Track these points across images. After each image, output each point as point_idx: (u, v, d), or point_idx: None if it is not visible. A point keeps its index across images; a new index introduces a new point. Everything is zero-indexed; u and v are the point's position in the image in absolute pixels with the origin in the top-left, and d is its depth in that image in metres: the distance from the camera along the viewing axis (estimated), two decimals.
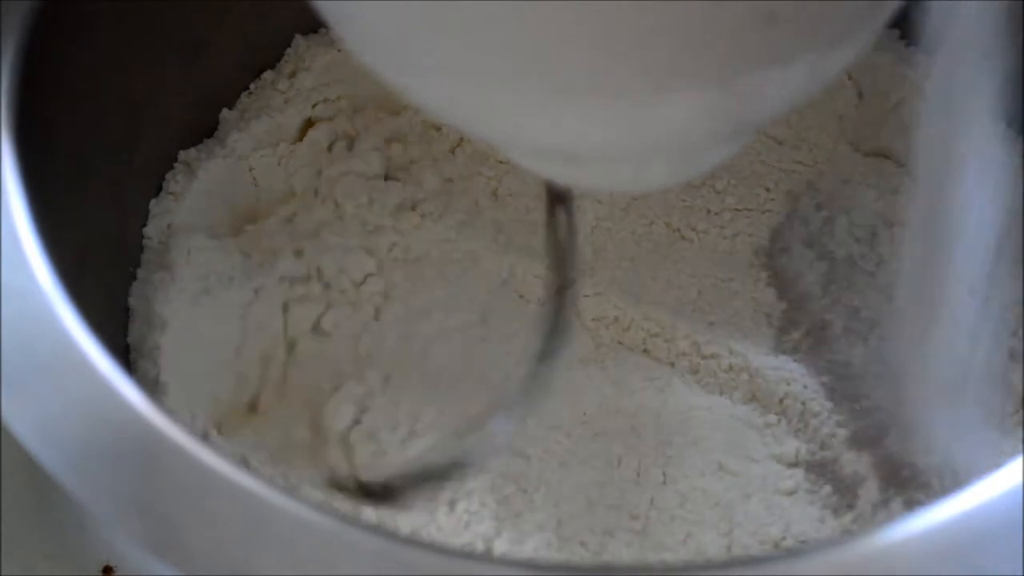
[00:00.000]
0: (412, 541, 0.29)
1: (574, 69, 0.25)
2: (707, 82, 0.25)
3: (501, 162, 0.51)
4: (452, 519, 0.42)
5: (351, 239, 0.49)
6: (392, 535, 0.29)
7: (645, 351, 0.47)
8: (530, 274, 0.48)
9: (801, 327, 0.47)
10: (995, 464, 0.34)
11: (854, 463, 0.43)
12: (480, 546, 0.41)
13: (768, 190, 0.50)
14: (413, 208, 0.49)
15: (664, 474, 0.43)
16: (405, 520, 0.41)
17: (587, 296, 0.48)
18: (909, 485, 0.42)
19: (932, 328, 0.35)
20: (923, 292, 0.34)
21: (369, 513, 0.41)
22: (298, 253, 0.48)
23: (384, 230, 0.49)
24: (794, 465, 0.44)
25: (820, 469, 0.44)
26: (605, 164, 0.31)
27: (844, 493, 0.43)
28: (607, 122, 0.27)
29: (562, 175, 0.33)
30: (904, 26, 0.51)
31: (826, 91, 0.50)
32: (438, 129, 0.51)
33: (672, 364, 0.46)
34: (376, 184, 0.50)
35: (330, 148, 0.51)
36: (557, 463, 0.44)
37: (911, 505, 0.41)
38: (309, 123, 0.51)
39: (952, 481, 0.42)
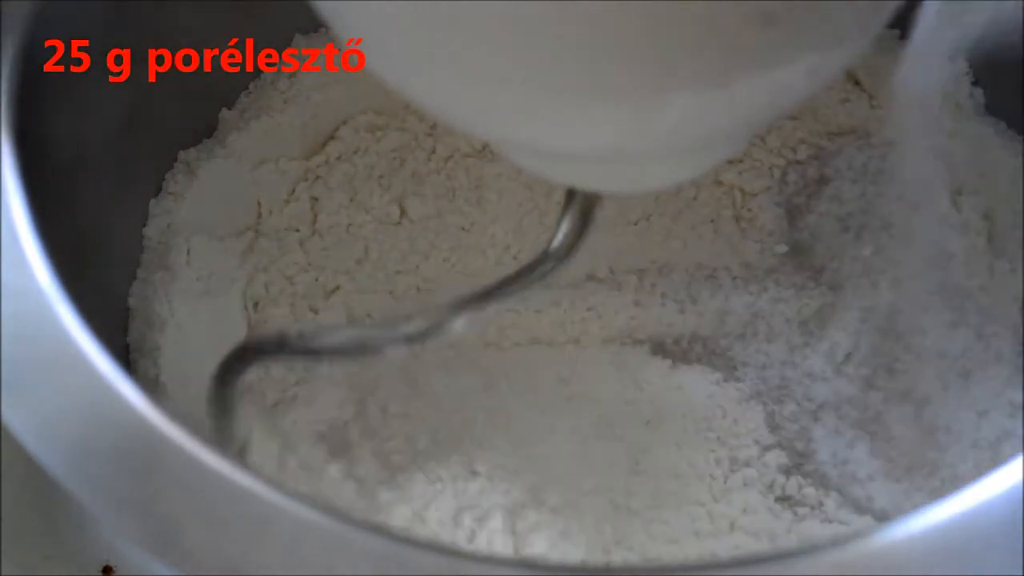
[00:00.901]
0: (412, 541, 0.29)
1: (575, 70, 0.25)
2: (708, 82, 0.25)
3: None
4: (450, 518, 0.42)
5: (351, 238, 0.49)
6: (392, 535, 0.29)
7: (644, 347, 0.47)
8: None
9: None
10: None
11: (853, 464, 0.43)
12: (481, 545, 0.41)
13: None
14: (406, 206, 0.50)
15: (666, 474, 0.43)
16: (400, 513, 0.41)
17: (593, 295, 0.48)
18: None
19: None
20: None
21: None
22: (298, 252, 0.49)
23: (384, 227, 0.49)
24: (794, 468, 0.44)
25: (818, 471, 0.44)
26: (606, 164, 0.31)
27: (842, 493, 0.43)
28: (608, 123, 0.27)
29: (562, 176, 0.33)
30: (904, 26, 0.51)
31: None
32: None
33: (673, 362, 0.46)
34: (374, 184, 0.50)
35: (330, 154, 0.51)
36: (557, 462, 0.44)
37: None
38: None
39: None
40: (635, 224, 0.49)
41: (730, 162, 0.50)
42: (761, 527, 0.42)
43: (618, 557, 0.41)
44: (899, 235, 0.47)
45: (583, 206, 0.34)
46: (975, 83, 0.51)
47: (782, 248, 0.49)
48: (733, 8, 0.23)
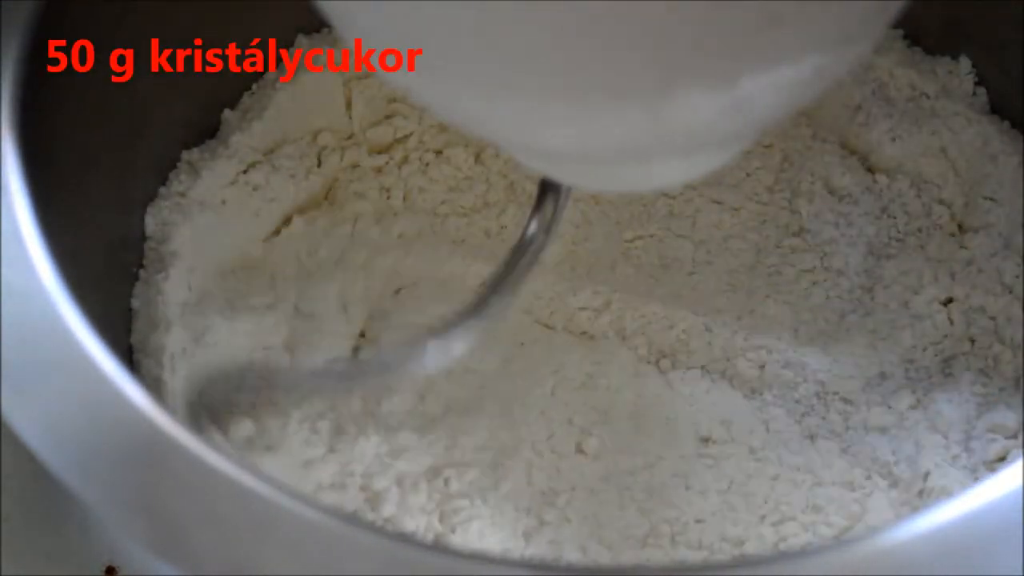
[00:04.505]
0: (415, 542, 0.29)
1: (582, 70, 0.25)
2: (714, 82, 0.25)
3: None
4: (455, 520, 0.42)
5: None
6: (396, 536, 0.29)
7: (668, 352, 0.47)
8: None
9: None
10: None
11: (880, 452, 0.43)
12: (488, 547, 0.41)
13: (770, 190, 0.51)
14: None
15: (673, 474, 0.43)
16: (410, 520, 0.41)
17: (614, 303, 0.48)
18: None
19: None
20: None
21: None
22: (300, 252, 0.49)
23: (385, 226, 0.50)
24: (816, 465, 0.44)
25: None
26: (613, 165, 0.31)
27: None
28: (615, 124, 0.26)
29: (571, 176, 0.33)
30: (908, 26, 0.51)
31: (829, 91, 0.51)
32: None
33: (703, 367, 0.46)
34: (374, 191, 0.50)
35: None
36: (574, 463, 0.44)
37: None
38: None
39: None
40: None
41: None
42: None
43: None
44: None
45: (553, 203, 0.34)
46: (979, 82, 0.51)
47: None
48: (740, 8, 0.23)
